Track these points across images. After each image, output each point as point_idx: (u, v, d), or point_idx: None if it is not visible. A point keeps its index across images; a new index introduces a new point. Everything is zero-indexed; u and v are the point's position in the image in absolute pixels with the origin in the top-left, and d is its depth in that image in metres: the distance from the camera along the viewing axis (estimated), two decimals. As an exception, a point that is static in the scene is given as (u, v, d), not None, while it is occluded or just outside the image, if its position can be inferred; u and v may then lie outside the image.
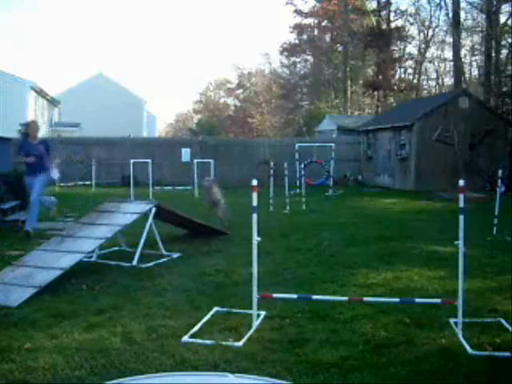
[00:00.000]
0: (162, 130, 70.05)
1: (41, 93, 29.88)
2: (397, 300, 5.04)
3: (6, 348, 4.19)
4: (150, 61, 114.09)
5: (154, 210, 7.53)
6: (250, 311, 4.73)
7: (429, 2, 42.46)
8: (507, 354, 4.07)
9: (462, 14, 31.80)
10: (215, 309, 5.12)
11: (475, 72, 38.83)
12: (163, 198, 13.26)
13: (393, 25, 39.68)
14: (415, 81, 41.02)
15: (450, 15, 31.25)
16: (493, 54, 27.22)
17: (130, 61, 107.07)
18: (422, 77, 41.59)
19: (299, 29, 49.09)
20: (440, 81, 41.39)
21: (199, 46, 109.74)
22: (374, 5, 41.03)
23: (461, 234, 4.47)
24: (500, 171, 10.13)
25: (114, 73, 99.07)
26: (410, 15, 39.73)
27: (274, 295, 5.01)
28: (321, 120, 31.33)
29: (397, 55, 40.35)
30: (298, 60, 52.39)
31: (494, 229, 9.40)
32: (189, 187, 19.44)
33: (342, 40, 43.48)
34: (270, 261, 7.26)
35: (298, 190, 16.48)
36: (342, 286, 6.03)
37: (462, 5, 30.52)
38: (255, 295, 4.64)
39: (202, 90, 67.94)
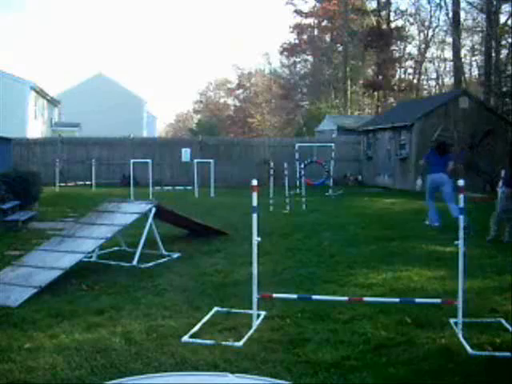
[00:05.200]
0: (161, 130, 70.07)
1: (41, 93, 29.86)
2: (397, 300, 5.04)
3: (6, 348, 4.19)
4: (150, 61, 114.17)
5: (153, 210, 7.53)
6: (250, 311, 4.73)
7: (429, 2, 42.63)
8: (507, 353, 4.06)
9: (462, 14, 31.82)
10: (215, 309, 5.12)
11: (475, 72, 38.82)
12: (163, 197, 13.25)
13: (393, 25, 39.74)
14: (415, 81, 41.02)
15: (450, 15, 31.26)
16: (493, 54, 27.19)
17: (130, 61, 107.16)
18: (422, 77, 41.61)
19: (299, 29, 49.09)
20: (440, 81, 41.37)
21: (199, 46, 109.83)
22: (374, 5, 41.10)
23: (461, 233, 4.47)
24: (503, 172, 10.09)
25: (113, 73, 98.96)
26: (410, 15, 39.80)
27: (274, 295, 5.01)
28: (321, 120, 31.32)
29: (397, 55, 40.36)
30: (298, 60, 52.39)
31: (494, 229, 9.38)
32: (189, 187, 19.44)
33: (342, 40, 43.48)
34: (270, 261, 7.26)
35: (298, 190, 16.48)
36: (342, 286, 6.03)
37: (462, 5, 30.53)
38: (255, 295, 4.64)
39: (202, 90, 68.06)
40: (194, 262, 7.29)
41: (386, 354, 4.08)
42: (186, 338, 4.38)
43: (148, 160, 17.78)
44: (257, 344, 4.26)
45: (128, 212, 7.47)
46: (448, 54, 38.67)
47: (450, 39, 33.63)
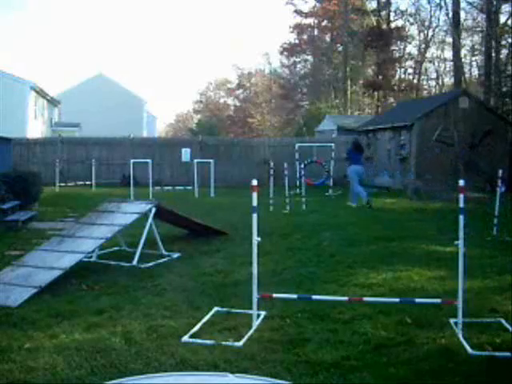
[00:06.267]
0: (161, 130, 70.07)
1: (41, 93, 29.86)
2: (397, 300, 5.04)
3: (6, 348, 4.19)
4: (150, 61, 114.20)
5: (153, 210, 7.53)
6: (250, 311, 4.73)
7: (429, 2, 42.65)
8: (507, 353, 4.06)
9: (462, 14, 31.82)
10: (215, 309, 5.12)
11: (475, 72, 38.85)
12: (163, 197, 13.25)
13: (393, 25, 39.74)
14: (415, 81, 41.02)
15: (450, 15, 31.24)
16: (493, 54, 27.15)
17: (130, 61, 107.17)
18: (422, 77, 41.62)
19: (299, 29, 49.12)
20: (440, 81, 41.40)
21: (199, 46, 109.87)
22: (374, 5, 41.10)
23: (461, 233, 4.46)
24: (500, 171, 10.11)
25: (114, 73, 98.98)
26: (410, 15, 39.84)
27: (274, 295, 5.01)
28: (321, 120, 31.32)
29: (397, 55, 40.36)
30: (298, 60, 52.42)
31: (494, 229, 9.40)
32: (189, 187, 19.43)
33: (342, 40, 43.48)
34: (270, 261, 7.26)
35: (298, 190, 16.48)
36: (342, 286, 6.03)
37: (462, 5, 30.53)
38: (255, 295, 4.64)
39: (202, 90, 68.12)
40: (193, 262, 7.28)
41: (386, 354, 4.08)
42: (185, 338, 4.38)
43: (148, 160, 17.78)
44: (257, 344, 4.26)
45: (128, 212, 7.47)
46: (448, 53, 38.75)
47: (450, 39, 33.68)
